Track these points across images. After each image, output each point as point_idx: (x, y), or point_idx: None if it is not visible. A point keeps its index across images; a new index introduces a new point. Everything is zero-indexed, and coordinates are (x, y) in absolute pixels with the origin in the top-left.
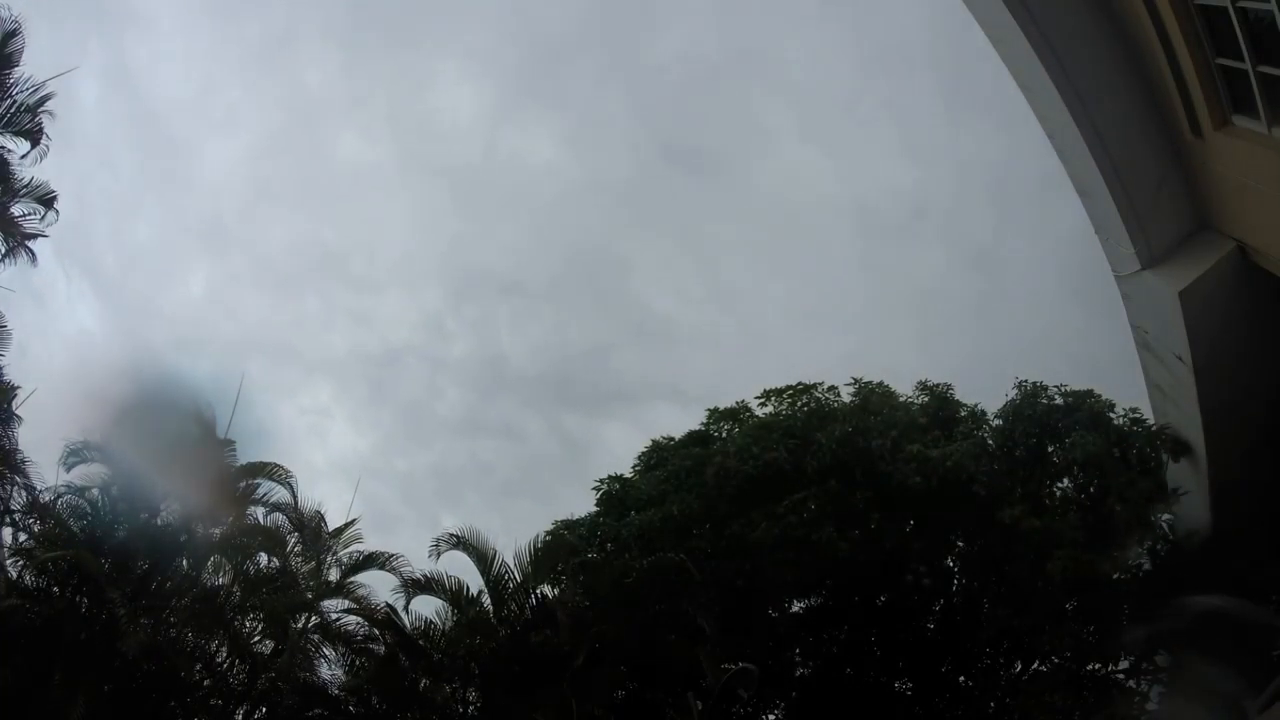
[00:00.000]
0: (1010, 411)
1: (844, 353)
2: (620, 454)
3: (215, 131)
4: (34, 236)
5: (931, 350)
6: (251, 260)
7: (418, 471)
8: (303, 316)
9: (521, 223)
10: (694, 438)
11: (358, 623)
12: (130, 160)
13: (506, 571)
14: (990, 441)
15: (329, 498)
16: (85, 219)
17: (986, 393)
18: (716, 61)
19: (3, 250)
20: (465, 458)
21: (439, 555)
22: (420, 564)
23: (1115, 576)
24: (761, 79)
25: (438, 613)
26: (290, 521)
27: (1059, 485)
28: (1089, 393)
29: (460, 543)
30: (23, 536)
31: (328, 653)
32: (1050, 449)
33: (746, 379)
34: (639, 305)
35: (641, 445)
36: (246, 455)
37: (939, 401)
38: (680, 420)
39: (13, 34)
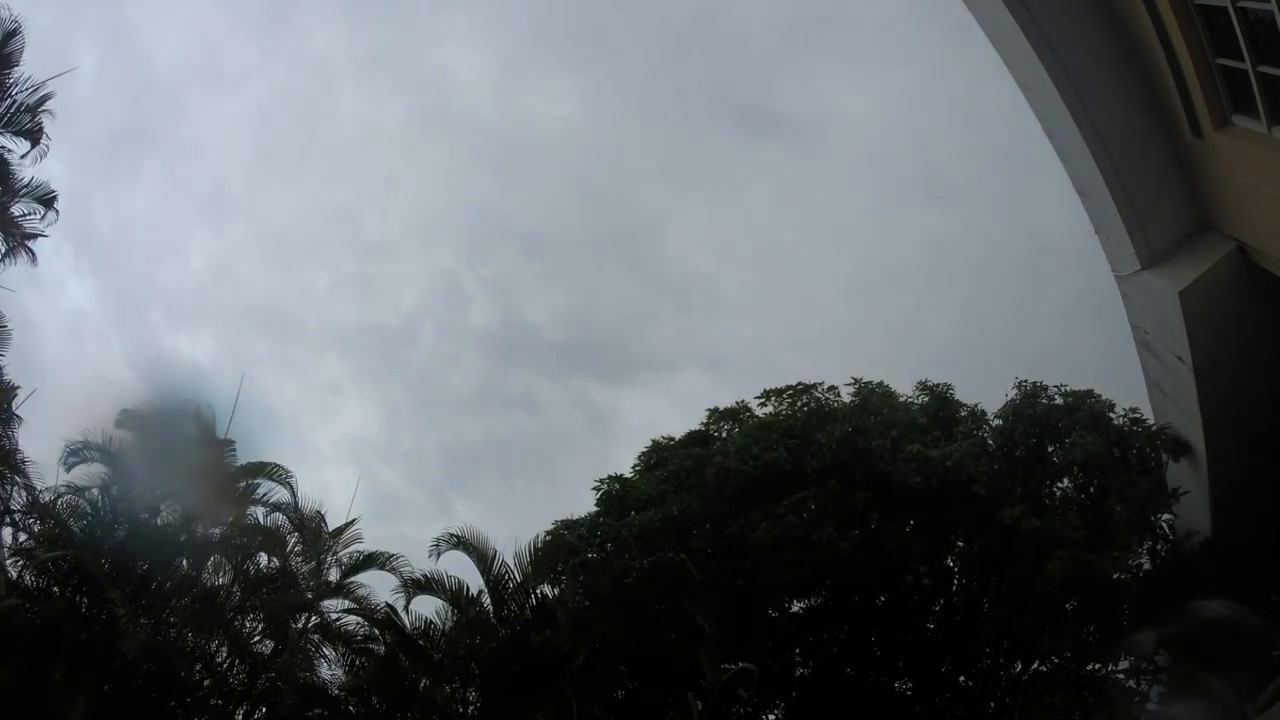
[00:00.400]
0: (1010, 411)
1: (895, 320)
2: (649, 427)
3: (218, 96)
4: (34, 236)
5: (980, 320)
6: (257, 229)
7: (430, 451)
8: (311, 287)
9: (545, 182)
10: (694, 438)
11: (358, 623)
12: (130, 128)
13: (506, 571)
14: (990, 441)
15: (336, 484)
16: (83, 189)
17: (990, 392)
18: (762, 18)
19: (3, 250)
20: (481, 434)
21: (439, 555)
22: (421, 562)
23: (1115, 576)
24: (818, 40)
25: (438, 613)
26: (290, 521)
27: (1059, 485)
28: (1089, 393)
29: (460, 543)
30: (23, 536)
31: (328, 653)
32: (1050, 449)
33: (790, 346)
34: (676, 269)
35: (675, 417)
36: (252, 441)
37: (939, 401)
38: (717, 391)
39: (13, 34)
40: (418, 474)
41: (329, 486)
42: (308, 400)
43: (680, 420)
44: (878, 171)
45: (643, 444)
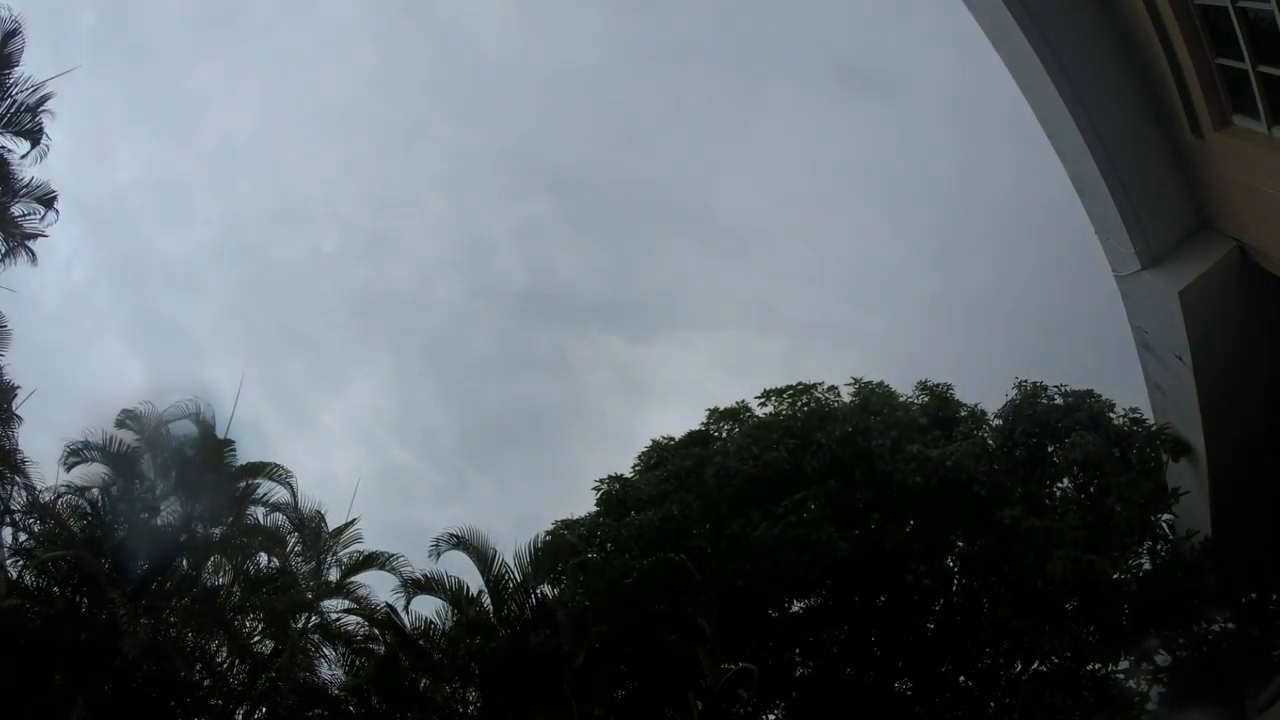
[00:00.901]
0: (1010, 411)
1: (964, 285)
2: (691, 390)
3: (219, 53)
4: (34, 236)
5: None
6: (265, 189)
7: (448, 424)
8: (322, 248)
9: (581, 129)
10: (694, 438)
11: (358, 623)
12: (128, 85)
13: (506, 571)
14: (990, 441)
15: (345, 469)
16: (80, 153)
17: (992, 392)
18: None
19: (3, 250)
20: (503, 403)
21: (439, 555)
22: (424, 559)
23: (1115, 576)
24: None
25: (438, 613)
26: (290, 521)
27: (1059, 485)
28: (1089, 393)
29: (460, 543)
30: (23, 536)
31: (328, 653)
32: (1050, 449)
33: (851, 305)
34: (727, 221)
35: (721, 383)
36: (255, 431)
37: (939, 401)
38: (767, 352)
39: (13, 34)
40: (434, 450)
41: (337, 472)
42: (318, 373)
43: (725, 384)
44: (965, 128)
45: (685, 408)
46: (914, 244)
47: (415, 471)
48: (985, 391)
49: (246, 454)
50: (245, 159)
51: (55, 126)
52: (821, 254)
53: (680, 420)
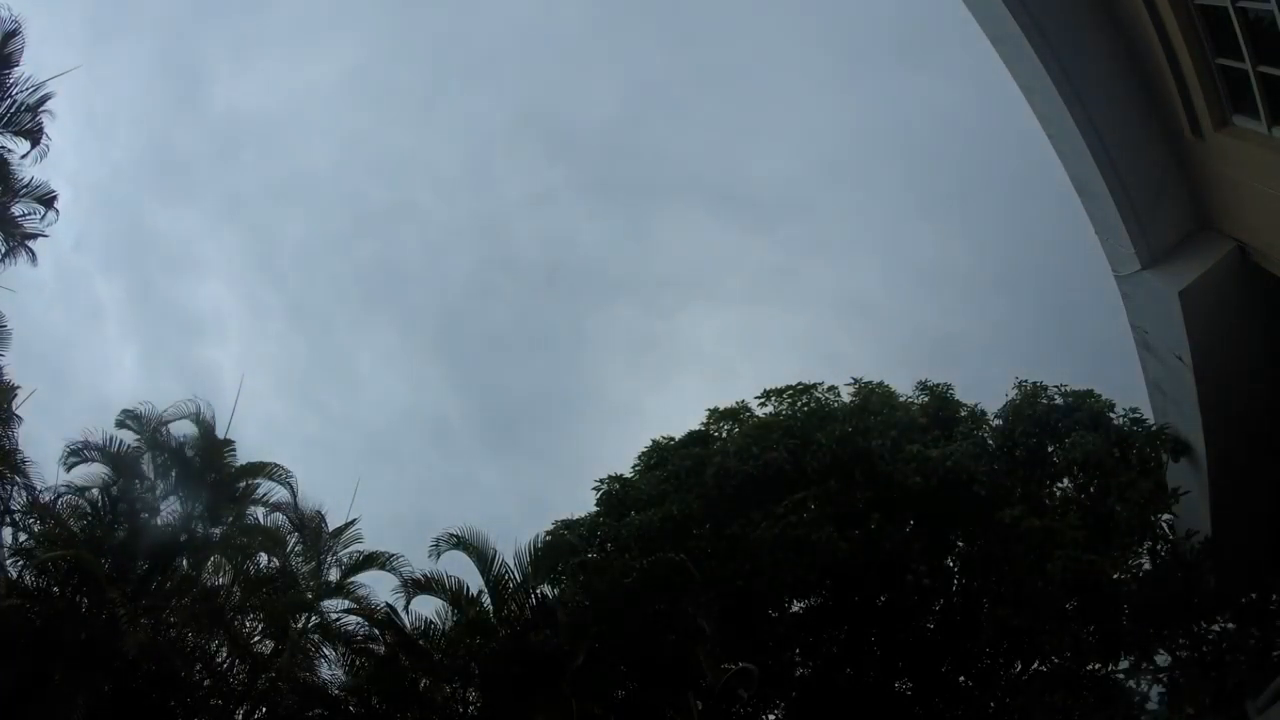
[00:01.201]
0: (1010, 411)
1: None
2: (711, 374)
3: (224, 22)
4: (34, 236)
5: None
6: (269, 162)
7: (459, 407)
8: (329, 224)
9: (598, 90)
10: (694, 438)
11: (358, 623)
12: (130, 58)
13: (506, 571)
14: (990, 441)
15: (350, 456)
16: (80, 129)
17: (993, 391)
18: None
19: (3, 250)
20: (515, 384)
21: (439, 555)
22: (423, 558)
23: (1115, 576)
24: None
25: (438, 613)
26: (290, 521)
27: (1059, 485)
28: (1089, 393)
29: (460, 543)
30: (23, 536)
31: (328, 653)
32: (1050, 449)
33: (880, 283)
34: (756, 190)
35: (745, 365)
36: (261, 427)
37: (939, 401)
38: (789, 325)
39: (13, 34)
40: (443, 434)
41: (342, 460)
42: (323, 356)
43: (747, 360)
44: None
45: (705, 386)
46: (943, 221)
47: (423, 456)
48: (1015, 366)
49: (247, 446)
50: (251, 132)
51: (56, 105)
52: (849, 229)
53: (701, 397)
